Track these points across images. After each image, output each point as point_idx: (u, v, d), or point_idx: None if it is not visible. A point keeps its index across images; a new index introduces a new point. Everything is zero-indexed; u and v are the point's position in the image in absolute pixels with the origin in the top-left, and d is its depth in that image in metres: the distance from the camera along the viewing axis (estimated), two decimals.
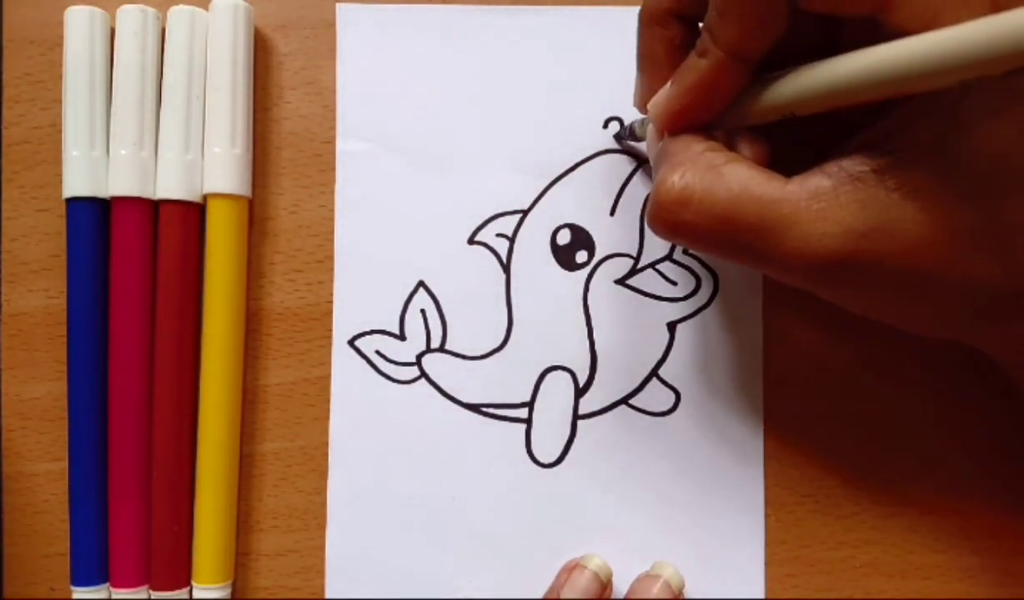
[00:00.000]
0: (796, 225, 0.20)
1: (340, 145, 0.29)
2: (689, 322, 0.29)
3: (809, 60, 0.20)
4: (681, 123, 0.23)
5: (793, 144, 0.23)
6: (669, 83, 0.23)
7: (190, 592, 0.28)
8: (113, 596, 0.28)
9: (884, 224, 0.20)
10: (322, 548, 0.28)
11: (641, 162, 0.29)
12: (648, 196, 0.28)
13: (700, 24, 0.22)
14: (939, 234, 0.20)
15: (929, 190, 0.19)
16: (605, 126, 0.29)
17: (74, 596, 0.28)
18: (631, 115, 0.29)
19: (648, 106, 0.24)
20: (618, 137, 0.29)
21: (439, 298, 0.29)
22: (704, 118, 0.23)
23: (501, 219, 0.29)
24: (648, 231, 0.29)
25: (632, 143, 0.29)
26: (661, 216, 0.22)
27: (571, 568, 0.27)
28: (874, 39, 0.19)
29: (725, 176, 0.21)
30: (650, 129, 0.25)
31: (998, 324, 0.21)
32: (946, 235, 0.20)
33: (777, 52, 0.21)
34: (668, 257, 0.29)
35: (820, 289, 0.22)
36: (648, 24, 0.24)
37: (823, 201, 0.20)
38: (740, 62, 0.21)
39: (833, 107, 0.20)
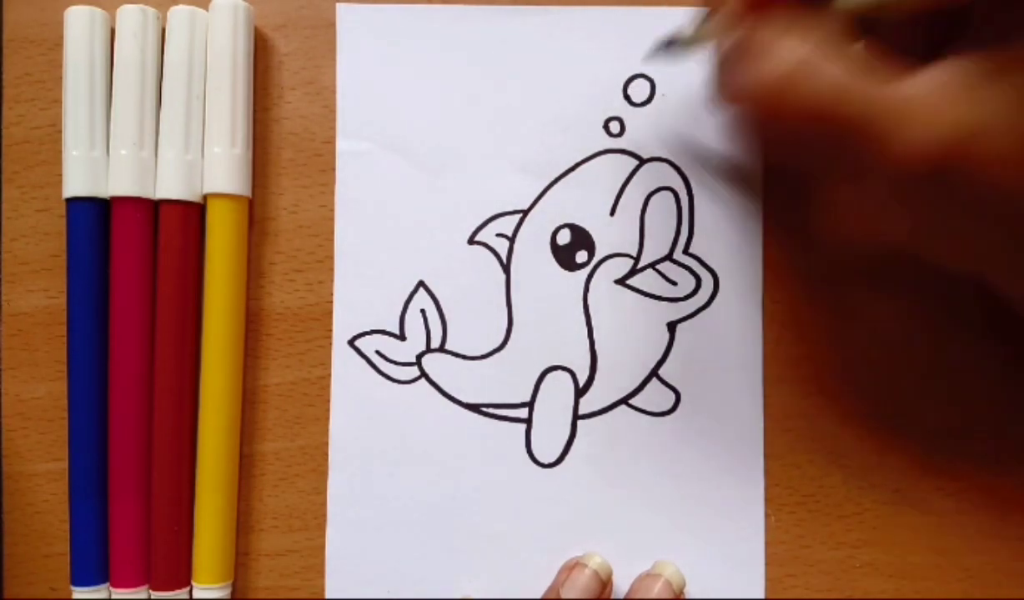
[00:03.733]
0: (907, 119, 0.19)
1: (340, 145, 0.29)
2: (689, 322, 0.29)
3: None
4: None
5: (902, 50, 0.21)
6: None
7: (190, 592, 0.28)
8: (113, 596, 0.28)
9: (1001, 125, 0.18)
10: (322, 548, 0.28)
11: (642, 159, 0.29)
12: (649, 194, 0.29)
13: None
14: None
15: None
16: (605, 126, 0.29)
17: (74, 596, 0.28)
18: (631, 115, 0.29)
19: None
20: (666, 45, 0.25)
21: (439, 298, 0.29)
22: None
23: (501, 219, 0.29)
24: (648, 231, 0.29)
25: (680, 50, 0.25)
26: (766, 98, 0.20)
27: (571, 566, 0.27)
28: None
29: (835, 60, 0.20)
30: (718, 18, 0.23)
31: None
32: None
33: None
34: (668, 257, 0.29)
35: (911, 195, 0.20)
36: None
37: (938, 97, 0.19)
38: None
39: None
